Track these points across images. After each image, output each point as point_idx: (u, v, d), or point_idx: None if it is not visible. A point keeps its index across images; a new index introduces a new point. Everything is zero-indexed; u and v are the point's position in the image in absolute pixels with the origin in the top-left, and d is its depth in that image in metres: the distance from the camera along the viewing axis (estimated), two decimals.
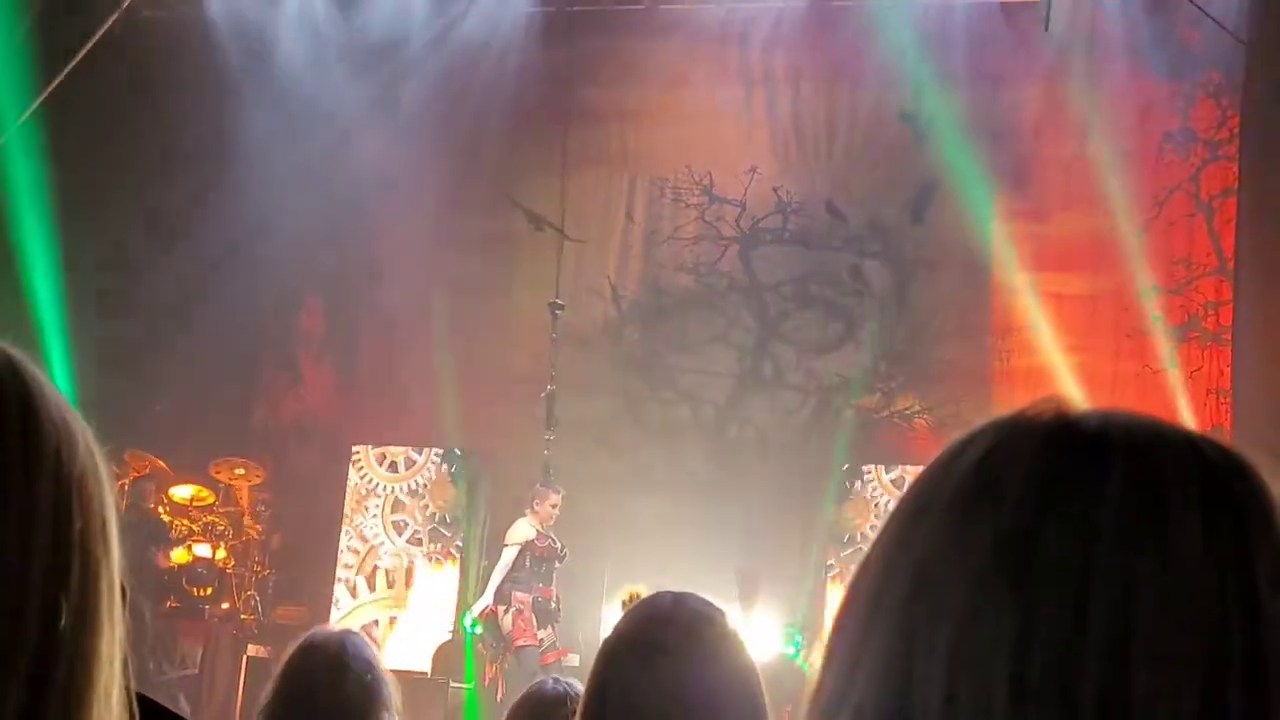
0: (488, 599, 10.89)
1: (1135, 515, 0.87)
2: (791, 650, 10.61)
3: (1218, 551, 0.87)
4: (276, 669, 3.30)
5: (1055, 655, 0.84)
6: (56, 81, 11.72)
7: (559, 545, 10.90)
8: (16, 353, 1.07)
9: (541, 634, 10.73)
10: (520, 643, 10.64)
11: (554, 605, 10.82)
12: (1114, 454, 0.89)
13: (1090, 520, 0.87)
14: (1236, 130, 12.77)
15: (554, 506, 10.95)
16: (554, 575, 10.88)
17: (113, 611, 1.05)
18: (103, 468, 1.08)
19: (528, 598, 10.76)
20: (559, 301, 12.23)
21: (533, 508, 10.98)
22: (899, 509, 0.95)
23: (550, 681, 3.18)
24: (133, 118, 12.96)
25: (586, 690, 2.35)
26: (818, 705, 0.94)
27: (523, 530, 10.96)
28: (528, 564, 10.83)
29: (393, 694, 3.26)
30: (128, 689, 1.08)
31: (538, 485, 11.20)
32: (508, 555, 10.85)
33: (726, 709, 2.29)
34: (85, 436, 1.07)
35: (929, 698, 0.86)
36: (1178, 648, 0.84)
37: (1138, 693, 0.83)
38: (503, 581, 10.82)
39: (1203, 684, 0.84)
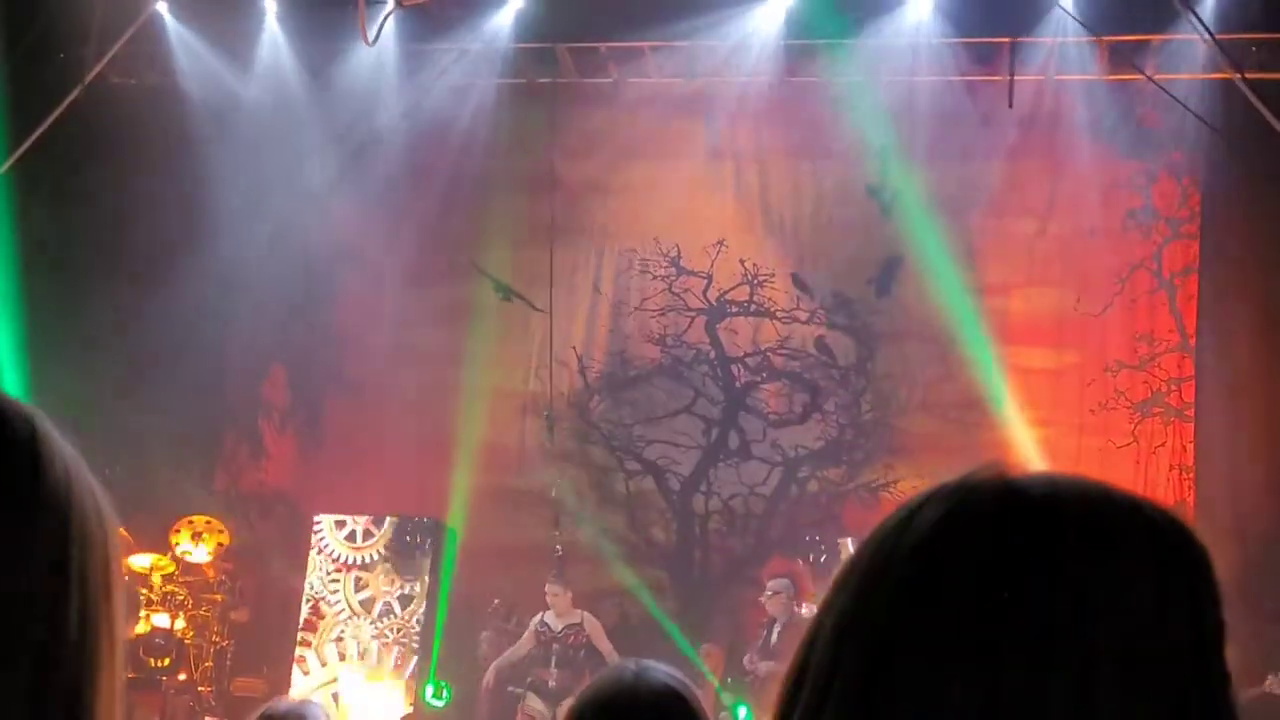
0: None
1: (1090, 583, 0.86)
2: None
3: (1171, 614, 0.87)
4: None
5: None
6: (24, 147, 11.69)
7: (547, 630, 11.20)
8: (31, 409, 1.12)
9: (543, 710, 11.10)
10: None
11: (552, 684, 11.09)
12: (1066, 521, 0.89)
13: (1047, 591, 0.86)
14: (1198, 209, 12.92)
15: (550, 597, 11.33)
16: (552, 659, 11.03)
17: (114, 658, 1.08)
18: (108, 524, 1.11)
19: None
20: (554, 414, 12.47)
21: None
22: (849, 576, 0.93)
23: None
24: (100, 186, 12.90)
25: None
26: None
27: (534, 620, 11.46)
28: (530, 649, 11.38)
29: None
30: None
31: None
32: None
33: None
34: (93, 494, 1.11)
35: None
36: (1140, 711, 0.84)
37: None
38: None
39: None
